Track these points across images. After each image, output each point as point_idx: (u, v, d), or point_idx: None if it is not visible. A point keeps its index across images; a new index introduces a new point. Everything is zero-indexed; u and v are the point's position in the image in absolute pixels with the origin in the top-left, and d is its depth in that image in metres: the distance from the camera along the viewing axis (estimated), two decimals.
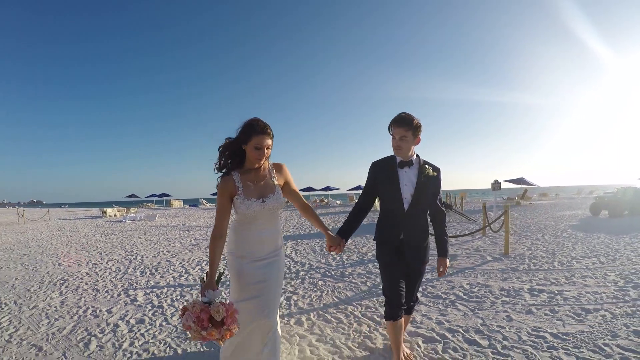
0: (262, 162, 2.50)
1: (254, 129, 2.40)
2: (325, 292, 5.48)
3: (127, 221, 23.28)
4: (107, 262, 8.48)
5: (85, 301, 5.37)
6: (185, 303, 2.96)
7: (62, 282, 6.63)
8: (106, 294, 5.74)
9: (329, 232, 2.86)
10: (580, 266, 6.62)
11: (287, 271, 6.94)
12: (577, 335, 3.63)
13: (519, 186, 32.41)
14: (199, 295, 2.32)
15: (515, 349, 3.36)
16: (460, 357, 3.22)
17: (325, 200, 42.42)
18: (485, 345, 3.48)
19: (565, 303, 4.67)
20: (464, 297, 5.06)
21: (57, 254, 9.95)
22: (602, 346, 3.38)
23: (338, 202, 42.58)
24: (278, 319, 2.62)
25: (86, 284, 6.44)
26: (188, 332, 2.14)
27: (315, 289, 5.64)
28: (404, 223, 2.79)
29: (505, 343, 3.51)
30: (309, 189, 48.67)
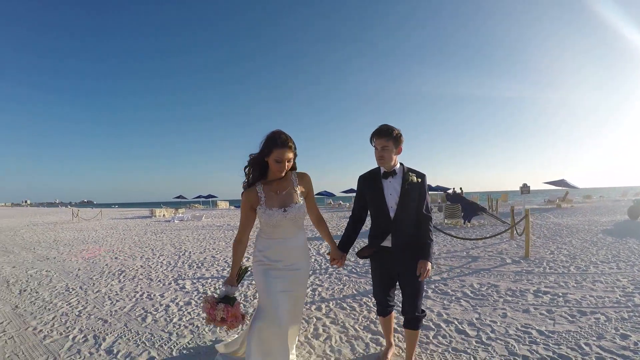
0: (282, 174, 2.71)
1: (275, 143, 2.60)
2: (347, 285, 6.25)
3: (176, 221, 24.82)
4: (159, 257, 9.69)
5: (141, 287, 6.48)
6: (205, 295, 3.44)
7: (120, 272, 7.82)
8: (159, 283, 6.83)
9: (335, 247, 3.14)
10: (596, 271, 6.80)
11: (318, 267, 7.78)
12: (563, 334, 3.98)
13: (561, 188, 31.76)
14: (222, 286, 2.83)
15: (498, 341, 3.83)
16: (446, 343, 3.82)
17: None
18: (473, 335, 4.00)
19: (565, 305, 4.98)
20: (470, 295, 5.57)
21: (113, 250, 11.39)
22: (583, 345, 3.69)
23: None
24: (298, 330, 3.12)
25: (141, 274, 7.60)
26: (212, 322, 2.70)
27: (339, 283, 6.42)
28: (391, 231, 3.01)
29: (491, 335, 4.00)
30: (351, 190, 49.54)
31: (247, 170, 2.78)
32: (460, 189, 31.87)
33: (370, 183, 3.08)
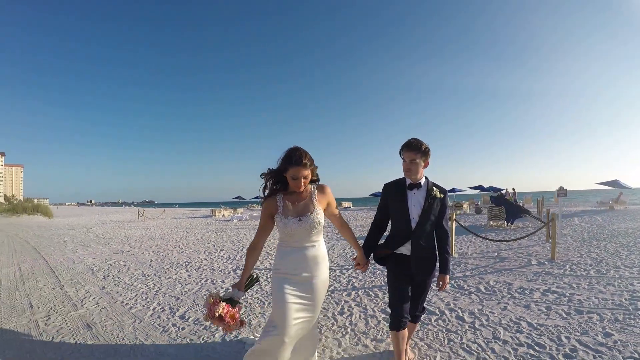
0: (300, 189, 2.94)
1: (290, 161, 2.83)
2: (378, 278, 7.34)
3: (234, 220, 26.80)
4: (219, 252, 11.24)
5: (205, 275, 7.92)
6: (212, 291, 3.59)
7: (187, 263, 9.38)
8: (220, 272, 8.26)
9: (362, 252, 3.40)
10: (614, 275, 7.05)
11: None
12: (550, 328, 4.51)
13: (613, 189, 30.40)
14: (232, 288, 3.00)
15: (488, 327, 4.57)
16: (443, 325, 4.69)
17: None
18: (469, 322, 4.79)
19: (566, 304, 5.45)
20: (483, 290, 6.28)
21: (179, 246, 13.17)
22: (563, 338, 4.18)
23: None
24: (316, 343, 3.41)
25: (205, 265, 9.10)
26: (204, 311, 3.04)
27: (372, 276, 7.52)
28: (411, 240, 3.22)
29: (484, 322, 4.75)
30: (379, 193, 50.21)
31: (263, 177, 3.04)
32: (513, 189, 31.68)
33: (396, 192, 3.31)
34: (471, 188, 41.65)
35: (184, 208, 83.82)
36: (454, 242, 9.63)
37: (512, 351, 3.91)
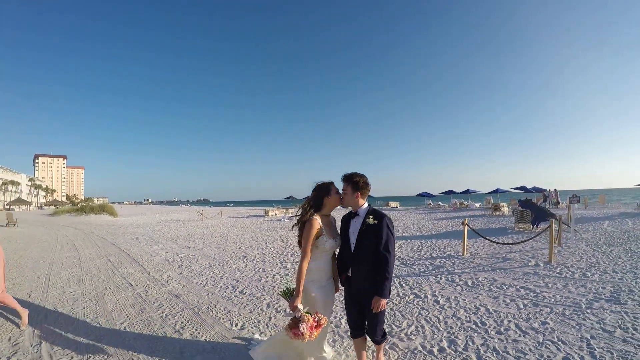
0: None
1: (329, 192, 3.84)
2: (394, 270, 9.41)
3: (286, 220, 29.33)
4: (270, 248, 13.73)
5: (258, 266, 10.29)
6: (290, 319, 3.68)
7: (243, 257, 11.85)
8: (270, 264, 10.60)
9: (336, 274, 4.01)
10: (595, 279, 7.90)
11: None
12: (500, 313, 5.83)
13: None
14: (290, 307, 3.61)
15: (452, 309, 6.13)
16: (421, 304, 6.44)
17: (465, 203, 44.21)
18: (442, 304, 6.43)
19: (530, 298, 6.60)
20: (470, 284, 7.71)
21: (236, 242, 15.80)
22: (505, 321, 5.46)
23: (477, 204, 44.68)
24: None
25: (258, 258, 11.53)
26: (297, 336, 3.40)
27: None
28: (351, 263, 3.76)
29: (452, 305, 6.33)
30: (450, 191, 51.57)
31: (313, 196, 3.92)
32: (555, 190, 32.73)
33: (345, 220, 3.91)
34: (514, 189, 42.36)
35: (238, 207, 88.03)
36: (466, 244, 11.26)
37: (460, 324, 5.44)
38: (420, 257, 11.09)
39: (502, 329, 5.21)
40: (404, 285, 7.82)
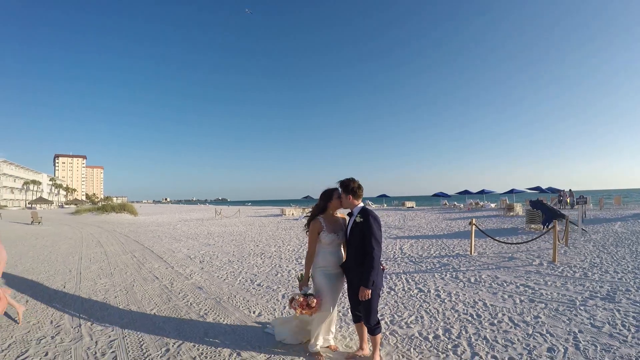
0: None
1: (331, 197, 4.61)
2: (402, 266, 10.05)
3: (303, 219, 29.98)
4: (287, 246, 14.45)
5: (275, 262, 10.98)
6: (292, 295, 4.74)
7: (261, 254, 12.57)
8: (286, 260, 11.28)
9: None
10: (595, 278, 8.24)
11: (392, 257, 11.52)
12: (496, 307, 6.29)
13: None
14: (299, 288, 4.64)
15: (452, 302, 6.67)
16: (423, 298, 7.01)
17: (480, 203, 44.01)
18: (442, 297, 6.98)
19: (527, 295, 7.03)
20: (472, 281, 8.24)
21: (254, 240, 16.56)
22: (500, 314, 5.90)
23: (492, 205, 44.45)
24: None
25: (275, 255, 12.24)
26: (294, 310, 4.50)
27: (395, 265, 10.24)
28: (347, 254, 4.52)
29: (453, 299, 6.87)
30: (465, 192, 51.90)
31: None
32: (570, 190, 32.90)
33: (349, 217, 4.60)
34: (530, 189, 42.44)
35: (256, 206, 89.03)
36: (473, 243, 11.80)
37: (456, 316, 5.94)
38: (429, 255, 11.66)
39: (495, 321, 5.67)
40: (409, 280, 8.37)
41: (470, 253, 11.53)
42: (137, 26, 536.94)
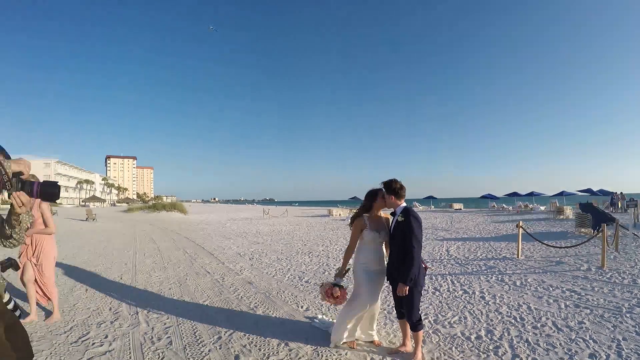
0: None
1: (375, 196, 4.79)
2: (447, 268, 10.07)
3: (349, 220, 30.30)
4: (334, 246, 14.64)
5: (322, 261, 11.18)
6: (323, 281, 5.33)
7: (309, 252, 12.83)
8: (333, 259, 11.48)
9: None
10: None
11: (439, 258, 11.49)
12: (541, 311, 6.20)
13: None
14: (335, 277, 4.85)
15: (496, 304, 6.60)
16: (467, 299, 6.96)
17: (530, 205, 42.58)
18: (487, 300, 6.92)
19: (573, 300, 6.88)
20: (518, 284, 8.06)
21: (302, 240, 16.88)
22: (543, 318, 5.83)
23: (542, 207, 42.31)
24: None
25: (322, 254, 12.48)
26: (321, 295, 4.92)
27: (441, 266, 10.26)
28: (390, 253, 4.68)
29: (497, 302, 6.76)
30: (514, 194, 50.93)
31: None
32: (621, 193, 31.53)
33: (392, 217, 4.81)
34: (580, 191, 41.06)
35: (303, 207, 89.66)
36: (520, 246, 11.58)
37: (500, 318, 5.91)
38: (476, 257, 11.57)
39: (538, 325, 5.62)
40: (455, 282, 8.36)
41: (517, 256, 11.34)
42: (186, 27, 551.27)
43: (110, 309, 6.45)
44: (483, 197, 55.18)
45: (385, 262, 4.78)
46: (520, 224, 11.96)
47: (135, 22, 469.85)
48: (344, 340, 4.81)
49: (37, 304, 5.87)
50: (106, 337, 5.17)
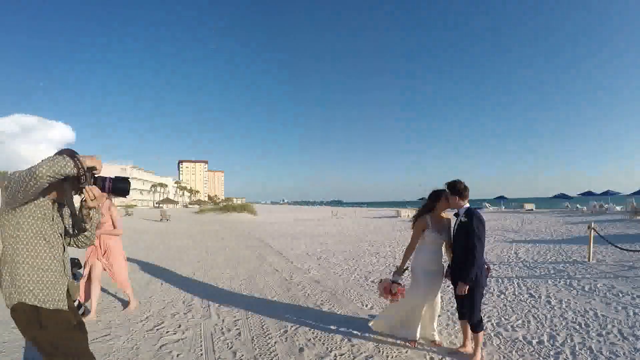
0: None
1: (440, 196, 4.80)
2: (515, 271, 9.80)
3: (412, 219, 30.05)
4: (402, 247, 14.46)
5: (389, 262, 11.19)
6: (382, 278, 5.54)
7: (375, 253, 12.91)
8: (400, 260, 11.21)
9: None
10: None
11: (506, 261, 11.20)
12: (607, 318, 5.87)
13: None
14: (392, 274, 4.90)
15: (561, 309, 6.30)
16: (533, 303, 6.65)
17: (605, 205, 39.42)
18: (552, 304, 6.61)
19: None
20: (586, 289, 7.67)
21: (369, 241, 16.93)
22: (609, 326, 5.56)
23: (618, 208, 39.20)
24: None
25: (389, 255, 12.50)
26: (379, 291, 4.92)
27: (509, 269, 9.98)
28: (453, 253, 4.71)
29: (563, 307, 6.44)
30: (588, 193, 48.65)
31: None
32: None
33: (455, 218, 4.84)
34: None
35: (371, 208, 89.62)
36: (591, 249, 10.99)
37: (564, 324, 5.67)
38: (545, 261, 11.19)
39: (603, 332, 5.37)
40: (521, 285, 8.14)
41: (588, 260, 10.82)
42: (257, 30, 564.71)
43: (183, 301, 6.87)
44: (555, 196, 53.38)
45: (444, 263, 4.89)
46: (592, 226, 11.37)
47: (207, 26, 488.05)
48: (406, 337, 4.96)
49: (115, 295, 6.35)
50: (179, 326, 5.53)
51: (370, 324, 5.30)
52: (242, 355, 4.57)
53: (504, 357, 4.61)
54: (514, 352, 4.73)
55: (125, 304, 6.53)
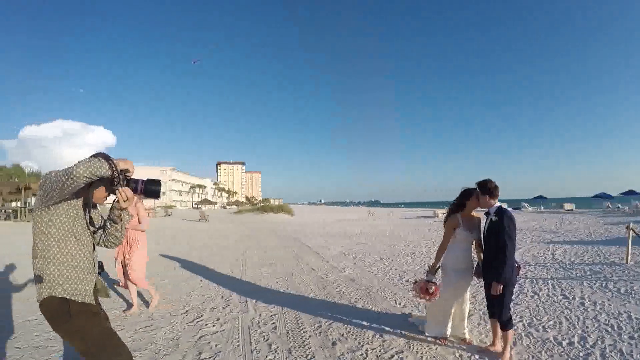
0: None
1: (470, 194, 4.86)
2: (550, 272, 9.72)
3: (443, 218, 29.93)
4: (437, 247, 14.46)
5: (424, 262, 11.25)
6: (417, 279, 5.71)
7: (411, 253, 13.02)
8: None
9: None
10: None
11: (542, 262, 11.10)
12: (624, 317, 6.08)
13: None
14: (426, 274, 5.00)
15: (594, 311, 6.24)
16: (566, 305, 6.63)
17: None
18: (586, 306, 6.55)
19: None
20: (622, 292, 7.54)
21: (405, 240, 17.04)
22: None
23: None
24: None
25: (425, 255, 12.58)
26: (414, 292, 5.05)
27: (544, 270, 9.89)
28: (484, 252, 4.74)
29: (596, 309, 6.36)
30: (631, 192, 47.26)
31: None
32: None
33: (485, 217, 4.85)
34: None
35: (408, 208, 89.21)
36: (630, 251, 10.76)
37: (596, 326, 5.66)
38: (582, 262, 11.04)
39: (636, 335, 5.31)
40: (555, 286, 8.10)
41: (626, 262, 10.58)
42: (295, 33, 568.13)
43: (222, 297, 7.25)
44: (596, 196, 51.70)
45: (474, 262, 4.98)
46: (631, 226, 11.14)
47: (243, 30, 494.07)
48: (436, 335, 5.07)
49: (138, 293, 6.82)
50: (218, 319, 5.87)
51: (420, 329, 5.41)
52: (277, 347, 4.83)
53: (532, 356, 4.68)
54: (543, 353, 4.79)
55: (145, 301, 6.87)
